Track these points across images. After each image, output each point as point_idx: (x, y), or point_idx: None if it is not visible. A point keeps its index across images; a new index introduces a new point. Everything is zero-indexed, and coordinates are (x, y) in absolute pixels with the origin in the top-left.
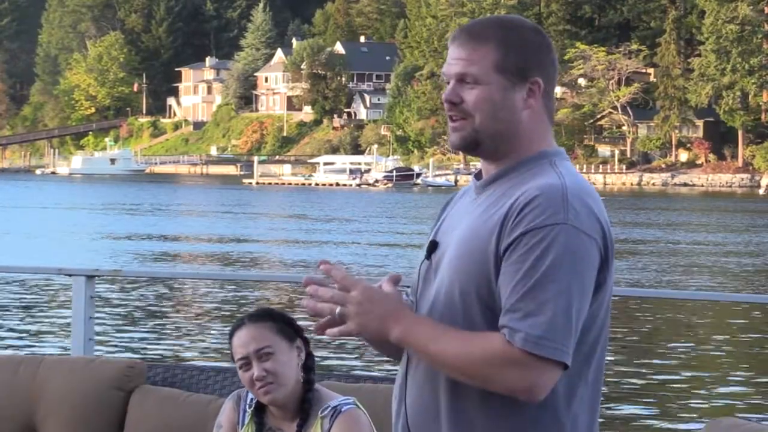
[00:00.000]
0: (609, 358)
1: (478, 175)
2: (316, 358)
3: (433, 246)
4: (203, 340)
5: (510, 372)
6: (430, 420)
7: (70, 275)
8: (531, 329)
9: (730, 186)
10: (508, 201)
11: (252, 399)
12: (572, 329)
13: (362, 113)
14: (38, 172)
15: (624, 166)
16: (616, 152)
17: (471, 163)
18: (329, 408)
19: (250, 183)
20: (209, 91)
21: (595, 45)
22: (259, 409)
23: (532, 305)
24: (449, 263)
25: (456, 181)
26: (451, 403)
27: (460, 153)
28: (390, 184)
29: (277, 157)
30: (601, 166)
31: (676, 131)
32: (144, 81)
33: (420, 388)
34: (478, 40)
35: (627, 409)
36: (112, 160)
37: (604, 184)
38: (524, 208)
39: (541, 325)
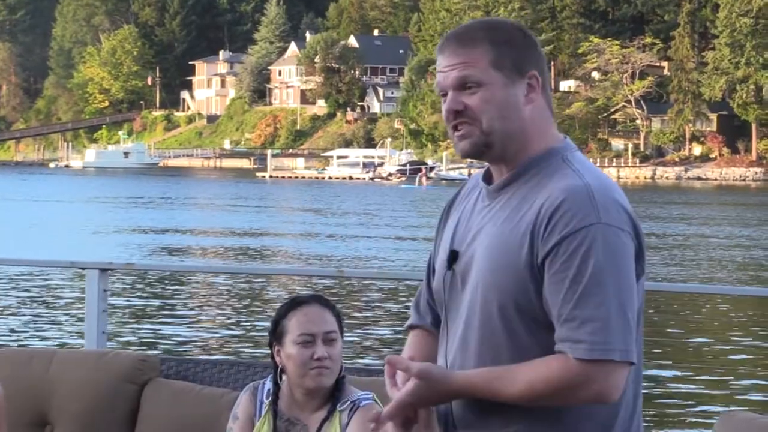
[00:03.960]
0: None
1: (486, 179)
2: None
3: (454, 255)
4: (217, 334)
5: (579, 388)
6: (477, 412)
7: (83, 269)
8: (592, 336)
9: (744, 180)
10: (532, 207)
11: (269, 390)
12: (630, 326)
13: (375, 107)
14: (52, 165)
15: (638, 160)
16: (630, 146)
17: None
18: (348, 402)
19: (264, 176)
20: (223, 84)
21: (609, 38)
22: (278, 398)
23: (586, 312)
24: (482, 278)
25: (469, 174)
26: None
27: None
28: (403, 178)
29: (290, 150)
30: (614, 159)
31: (690, 125)
32: (158, 74)
33: None
34: (468, 44)
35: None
36: (126, 154)
37: (618, 177)
38: (554, 214)
39: (601, 331)
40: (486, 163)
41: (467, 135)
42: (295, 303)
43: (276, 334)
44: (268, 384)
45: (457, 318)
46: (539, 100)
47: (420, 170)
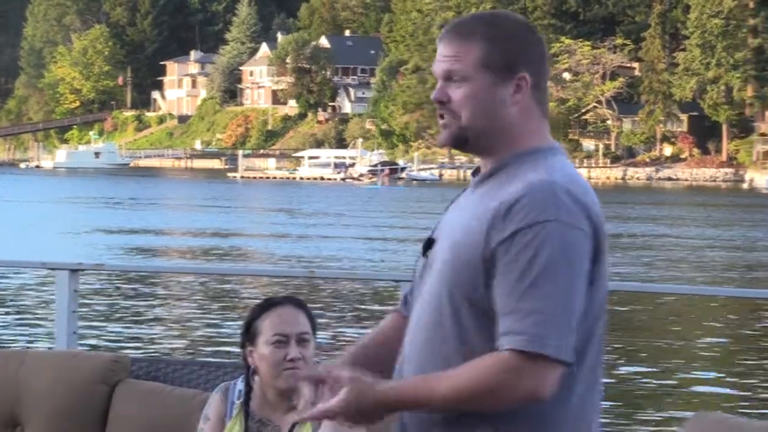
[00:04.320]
0: None
1: (475, 171)
2: None
3: (430, 243)
4: (188, 335)
5: (516, 380)
6: (424, 418)
7: (53, 269)
8: (534, 328)
9: (714, 180)
10: (496, 199)
11: (240, 391)
12: (572, 326)
13: (347, 107)
14: (22, 165)
15: (608, 161)
16: (601, 146)
17: (456, 158)
18: None
19: (235, 177)
20: (194, 84)
21: (580, 39)
22: (250, 399)
23: (532, 305)
24: (442, 265)
25: (441, 175)
26: None
27: (446, 147)
28: (375, 178)
29: (261, 151)
30: (585, 160)
31: (661, 125)
32: (129, 74)
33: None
34: (464, 37)
35: (608, 404)
36: (97, 154)
37: (589, 178)
38: (512, 206)
39: (542, 325)
40: (462, 158)
41: (447, 126)
42: (269, 304)
43: (249, 335)
44: (240, 385)
45: (418, 304)
46: (527, 101)
47: (383, 170)
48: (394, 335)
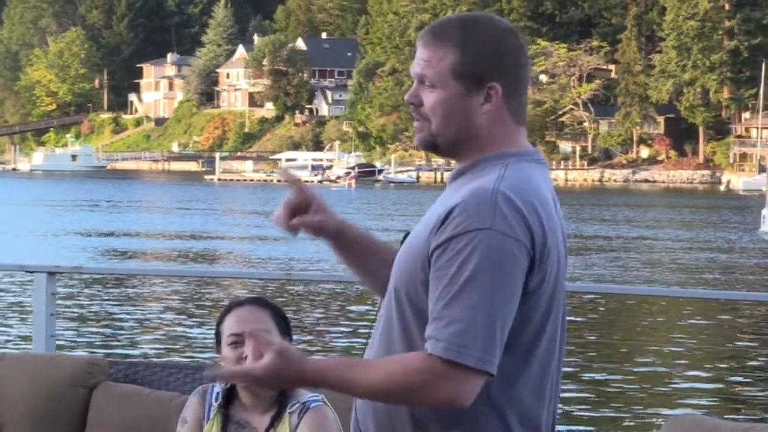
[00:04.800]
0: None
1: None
2: None
3: (406, 236)
4: (165, 337)
5: (433, 385)
6: (368, 413)
7: (31, 272)
8: (453, 337)
9: (691, 182)
10: (445, 204)
11: (218, 393)
12: (495, 336)
13: (324, 109)
14: None
15: (585, 163)
16: (578, 148)
17: (432, 160)
18: (297, 404)
19: (212, 179)
20: (171, 87)
21: (557, 41)
22: (227, 401)
23: (454, 312)
24: (396, 260)
25: (418, 178)
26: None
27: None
28: (352, 181)
29: (238, 153)
30: (562, 162)
31: (637, 127)
32: (105, 77)
33: None
34: (438, 41)
35: (587, 406)
36: (74, 157)
37: (566, 180)
38: (451, 212)
39: (462, 333)
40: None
41: (419, 130)
42: (229, 307)
43: (217, 339)
44: (218, 387)
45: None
46: (498, 109)
47: (350, 173)
48: (387, 257)
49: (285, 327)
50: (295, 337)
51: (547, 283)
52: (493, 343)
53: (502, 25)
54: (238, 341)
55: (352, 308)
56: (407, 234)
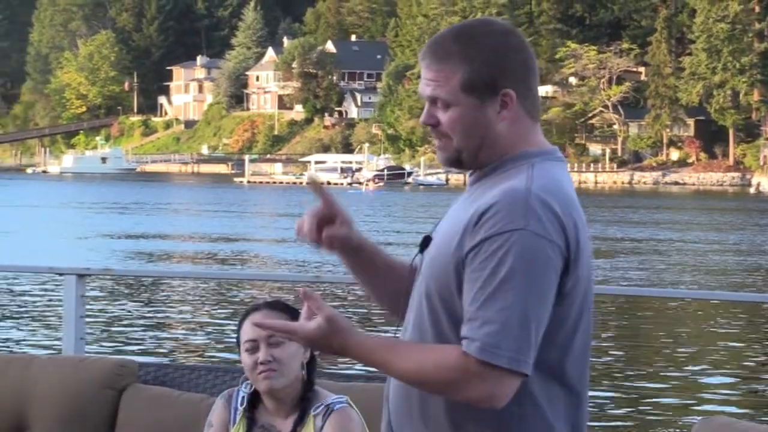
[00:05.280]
0: (596, 357)
1: (473, 173)
2: None
3: (426, 241)
4: (195, 339)
5: (466, 383)
6: (406, 419)
7: (61, 274)
8: (487, 338)
9: (721, 185)
10: (475, 206)
11: (243, 397)
12: (530, 337)
13: (353, 112)
14: (29, 171)
15: (615, 165)
16: (607, 151)
17: None
18: (322, 406)
19: (241, 182)
20: (200, 89)
21: (586, 44)
22: (252, 405)
23: (489, 313)
24: (426, 266)
25: (447, 180)
26: (421, 403)
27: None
28: (381, 183)
29: (268, 155)
30: (592, 164)
31: (667, 130)
32: (135, 80)
33: (398, 387)
34: (443, 60)
35: (616, 408)
36: (103, 159)
37: (596, 182)
38: (484, 214)
39: (496, 334)
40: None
41: (442, 148)
42: (246, 312)
43: (237, 344)
44: (243, 391)
45: (411, 300)
46: (514, 112)
47: (369, 177)
48: (402, 273)
49: None
50: None
51: (581, 284)
52: (527, 344)
53: (500, 27)
54: (253, 347)
55: (380, 311)
56: (426, 238)
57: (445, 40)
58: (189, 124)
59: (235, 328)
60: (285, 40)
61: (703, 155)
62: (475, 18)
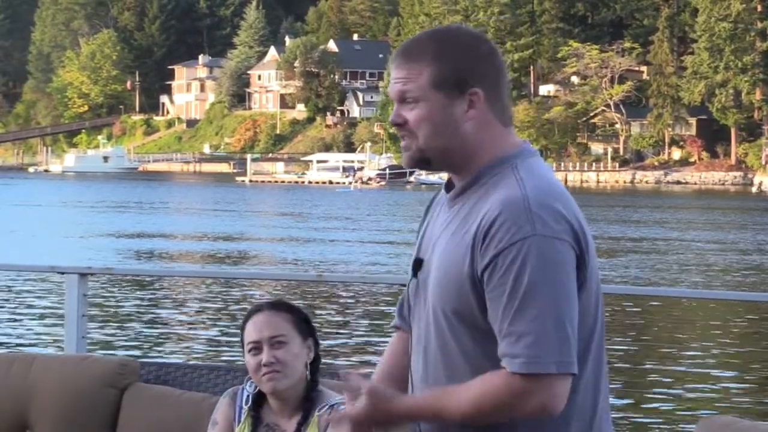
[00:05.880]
0: None
1: (448, 186)
2: None
3: (418, 264)
4: (196, 338)
5: (520, 400)
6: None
7: (62, 273)
8: (527, 350)
9: (723, 184)
10: (476, 220)
11: (248, 396)
12: (569, 337)
13: (355, 111)
14: (31, 170)
15: (617, 164)
16: (609, 150)
17: None
18: (326, 407)
19: (243, 181)
20: (202, 89)
21: (588, 43)
22: (257, 404)
23: (522, 326)
24: (433, 286)
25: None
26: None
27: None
28: (383, 182)
29: (270, 155)
30: (594, 164)
31: (669, 129)
32: (137, 79)
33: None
34: (413, 58)
35: (619, 408)
36: (105, 158)
37: (597, 182)
38: (490, 228)
39: (535, 345)
40: None
41: (407, 148)
42: (249, 313)
43: (241, 344)
44: (248, 389)
45: (418, 325)
46: (482, 114)
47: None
48: (404, 358)
49: (307, 329)
50: (322, 340)
51: (594, 273)
52: (567, 345)
53: (474, 33)
54: (256, 348)
55: (383, 308)
56: (417, 262)
57: (419, 41)
58: (191, 123)
59: (237, 327)
60: (287, 39)
61: (705, 154)
62: (448, 24)
